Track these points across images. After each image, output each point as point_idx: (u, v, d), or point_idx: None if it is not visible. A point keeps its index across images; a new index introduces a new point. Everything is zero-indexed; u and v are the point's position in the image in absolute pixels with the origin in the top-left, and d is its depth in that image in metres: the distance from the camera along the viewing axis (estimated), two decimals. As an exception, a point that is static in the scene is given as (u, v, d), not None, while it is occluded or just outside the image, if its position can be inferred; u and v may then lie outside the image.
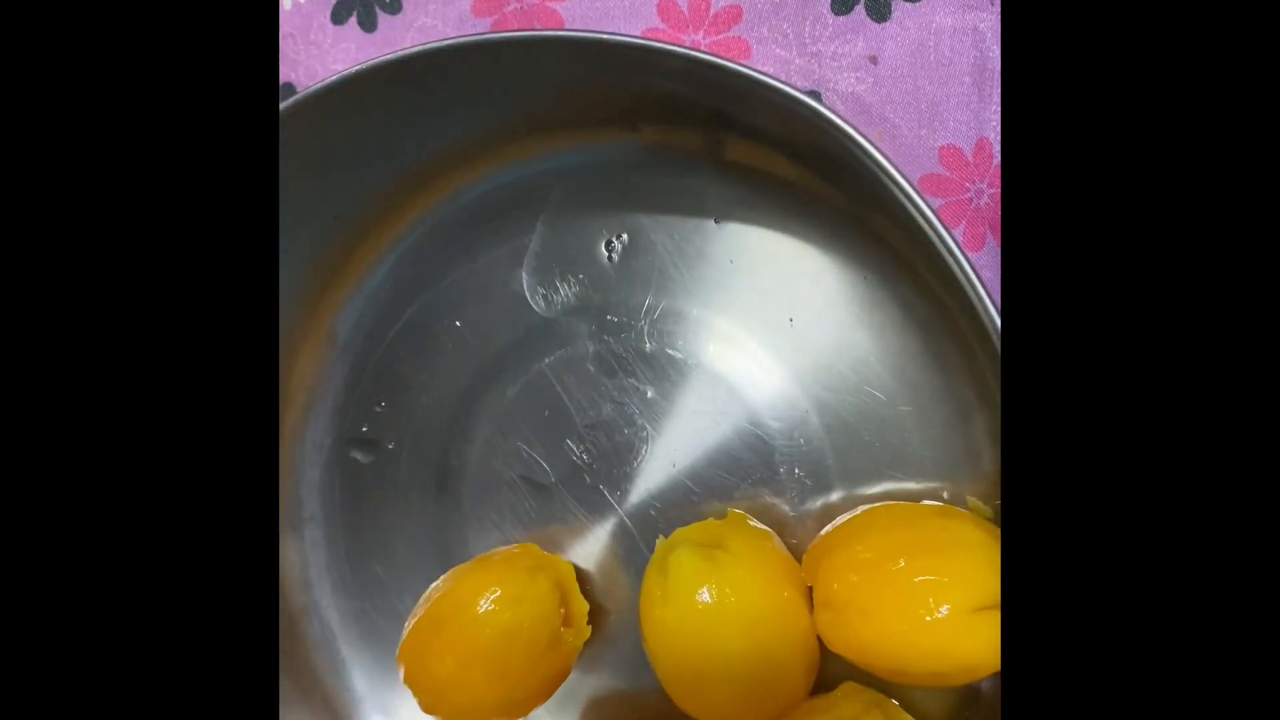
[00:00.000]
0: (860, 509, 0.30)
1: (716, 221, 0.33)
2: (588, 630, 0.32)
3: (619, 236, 0.34)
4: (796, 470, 0.32)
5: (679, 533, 0.30)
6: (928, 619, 0.26)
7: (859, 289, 0.31)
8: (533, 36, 0.27)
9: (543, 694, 0.32)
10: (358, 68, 0.28)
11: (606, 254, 0.34)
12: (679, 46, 0.25)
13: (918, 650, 0.26)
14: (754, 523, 0.31)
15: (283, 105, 0.29)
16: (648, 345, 0.33)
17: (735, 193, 0.32)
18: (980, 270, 0.24)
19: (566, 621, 0.31)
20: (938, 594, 0.26)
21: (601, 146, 0.33)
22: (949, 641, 0.26)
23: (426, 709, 0.31)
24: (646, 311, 0.33)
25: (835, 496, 0.31)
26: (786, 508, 0.32)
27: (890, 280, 0.31)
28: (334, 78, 0.28)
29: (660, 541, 0.30)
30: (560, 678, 0.32)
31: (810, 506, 0.32)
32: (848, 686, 0.29)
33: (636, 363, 0.33)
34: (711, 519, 0.31)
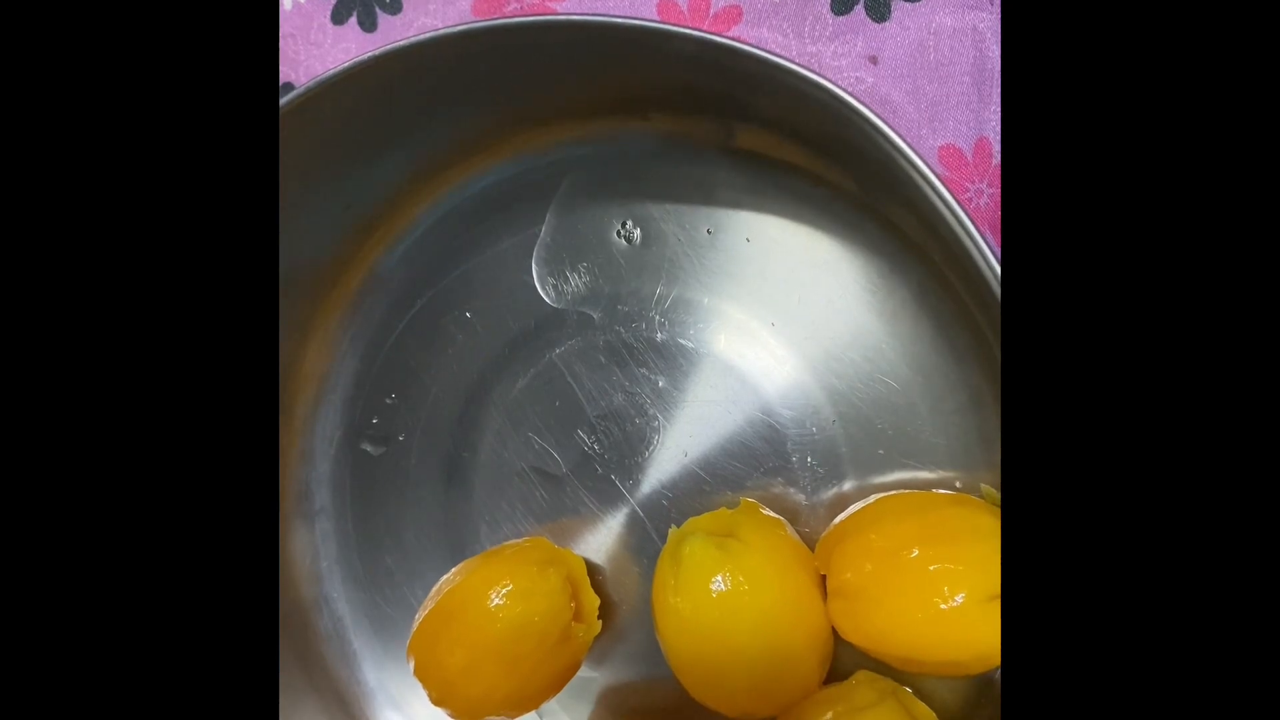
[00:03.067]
0: (873, 497, 0.30)
1: (726, 209, 0.33)
2: (598, 625, 0.31)
3: (630, 226, 0.34)
4: (809, 459, 0.31)
5: (691, 522, 0.30)
6: (942, 607, 0.26)
7: (871, 277, 0.31)
8: (545, 21, 0.27)
9: (553, 687, 0.32)
10: (367, 56, 0.28)
11: (617, 243, 0.34)
12: (690, 29, 0.25)
13: (932, 638, 0.26)
14: (766, 511, 0.31)
15: (292, 94, 0.29)
16: (659, 335, 0.33)
17: (746, 181, 0.32)
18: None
19: (577, 616, 0.31)
20: (952, 582, 0.26)
21: (612, 135, 0.33)
22: (963, 630, 0.26)
23: (437, 702, 0.31)
24: (657, 301, 0.33)
25: (848, 485, 0.31)
26: (799, 496, 0.32)
27: (902, 268, 0.31)
28: (344, 66, 0.28)
29: (673, 531, 0.30)
30: (571, 672, 0.32)
31: (823, 495, 0.32)
32: (862, 675, 0.29)
33: (648, 352, 0.33)
34: (723, 508, 0.31)
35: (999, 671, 0.29)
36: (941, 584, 0.26)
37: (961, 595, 0.25)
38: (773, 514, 0.31)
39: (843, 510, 0.30)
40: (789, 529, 0.30)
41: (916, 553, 0.26)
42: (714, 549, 0.28)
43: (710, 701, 0.29)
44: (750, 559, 0.28)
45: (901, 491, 0.30)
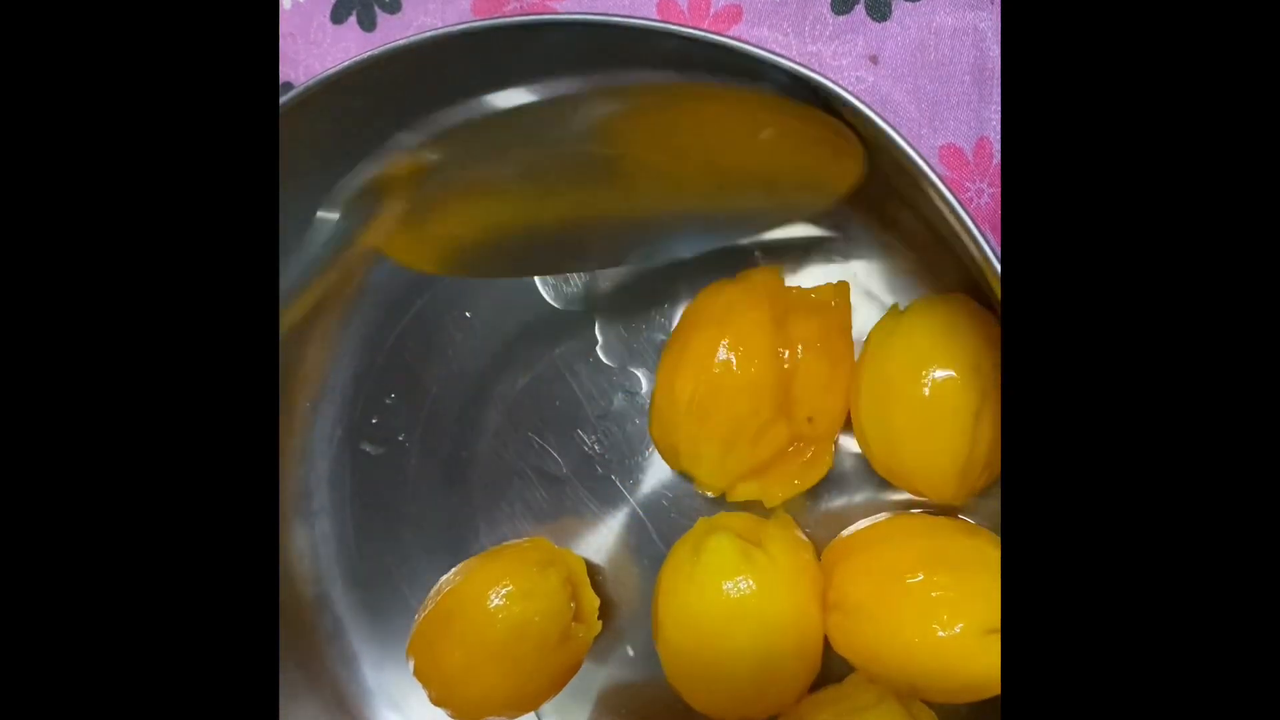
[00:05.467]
0: (882, 516, 0.30)
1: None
2: (598, 625, 0.31)
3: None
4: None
5: (723, 517, 0.30)
6: (940, 634, 0.26)
7: (873, 277, 0.31)
8: (545, 21, 0.27)
9: (553, 688, 0.32)
10: (367, 55, 0.28)
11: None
12: (691, 28, 0.25)
13: (926, 664, 0.26)
14: (799, 532, 0.30)
15: (291, 94, 0.29)
16: (659, 335, 0.33)
17: (746, 180, 0.32)
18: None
19: (577, 616, 0.31)
20: (952, 611, 0.26)
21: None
22: (959, 660, 0.26)
23: (436, 702, 0.31)
24: (657, 300, 0.33)
25: (858, 499, 0.31)
26: (805, 503, 0.32)
27: (903, 267, 0.31)
28: (343, 65, 0.28)
29: (702, 520, 0.30)
30: (571, 672, 0.32)
31: (830, 505, 0.31)
32: (858, 676, 0.29)
33: (647, 352, 0.33)
34: (749, 515, 0.31)
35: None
36: (942, 611, 0.26)
37: (961, 625, 0.26)
38: (804, 537, 0.30)
39: (847, 520, 0.30)
40: (813, 554, 0.30)
41: (921, 577, 0.27)
42: (738, 554, 0.28)
43: (685, 693, 0.30)
44: (769, 575, 0.28)
45: (911, 513, 0.30)
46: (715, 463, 0.29)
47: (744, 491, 0.30)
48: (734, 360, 0.29)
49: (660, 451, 0.32)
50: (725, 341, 0.29)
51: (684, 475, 0.32)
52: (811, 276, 0.32)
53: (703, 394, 0.29)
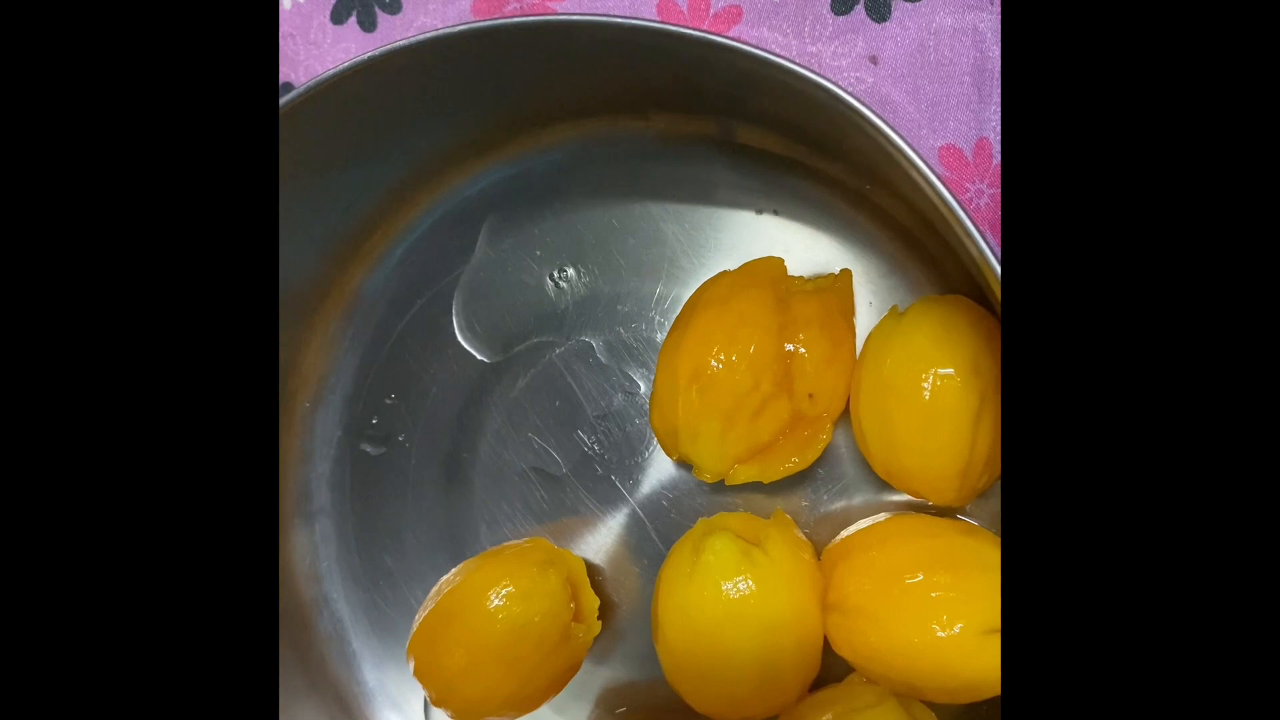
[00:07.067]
0: (882, 516, 0.30)
1: (726, 209, 0.33)
2: (598, 625, 0.31)
3: (629, 225, 0.34)
4: (818, 469, 0.31)
5: (722, 517, 0.30)
6: (940, 634, 0.26)
7: (871, 276, 0.31)
8: (545, 21, 0.27)
9: (553, 688, 0.32)
10: (367, 56, 0.28)
11: (616, 243, 0.34)
12: (690, 28, 0.25)
13: (925, 665, 0.26)
14: (798, 532, 0.30)
15: (291, 94, 0.29)
16: (659, 335, 0.33)
17: (746, 181, 0.32)
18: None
19: (577, 616, 0.31)
20: (952, 611, 0.26)
21: (611, 135, 0.33)
22: (958, 660, 0.26)
23: (437, 702, 0.31)
24: (657, 301, 0.33)
25: (857, 499, 0.31)
26: (804, 503, 0.32)
27: (902, 267, 0.31)
28: (343, 66, 0.28)
29: (702, 520, 0.30)
30: (571, 672, 0.32)
31: (830, 506, 0.31)
32: (858, 676, 0.29)
33: (647, 352, 0.33)
34: (749, 515, 0.31)
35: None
36: (941, 612, 0.26)
37: (960, 625, 0.26)
38: (803, 536, 0.30)
39: (847, 520, 0.30)
40: (813, 554, 0.30)
41: (920, 578, 0.27)
42: (738, 553, 0.28)
43: (684, 692, 0.30)
44: (769, 573, 0.28)
45: (911, 514, 0.30)
46: (714, 441, 0.29)
47: (742, 474, 0.30)
48: (736, 335, 0.29)
49: (659, 438, 0.31)
50: (727, 319, 0.29)
51: (682, 462, 0.32)
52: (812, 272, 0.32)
53: (704, 368, 0.29)
